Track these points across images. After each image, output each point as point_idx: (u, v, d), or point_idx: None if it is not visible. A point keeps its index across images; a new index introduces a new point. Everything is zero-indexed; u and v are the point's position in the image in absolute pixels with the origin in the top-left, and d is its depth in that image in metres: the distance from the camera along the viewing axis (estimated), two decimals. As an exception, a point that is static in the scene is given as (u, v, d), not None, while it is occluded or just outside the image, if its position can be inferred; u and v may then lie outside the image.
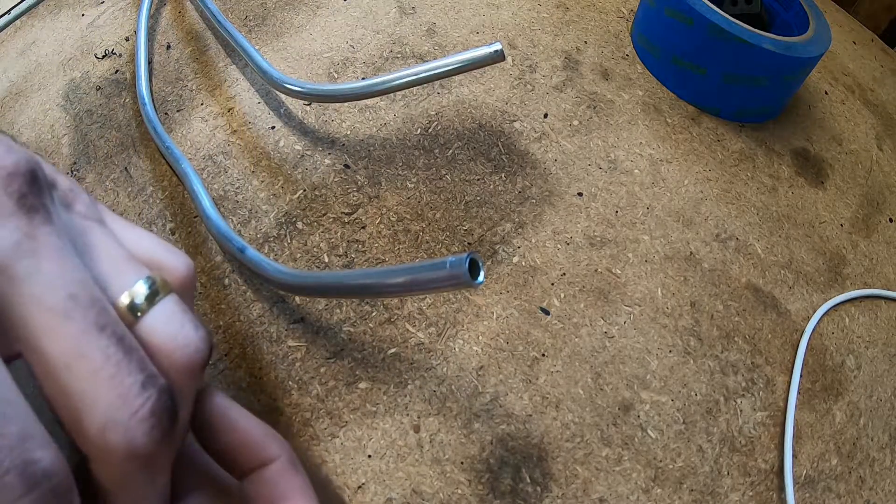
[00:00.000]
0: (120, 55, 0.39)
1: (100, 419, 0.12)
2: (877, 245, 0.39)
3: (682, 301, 0.32)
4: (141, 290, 0.14)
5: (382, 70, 0.39)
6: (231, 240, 0.28)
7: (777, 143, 0.42)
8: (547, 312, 0.30)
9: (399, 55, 0.40)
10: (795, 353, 0.32)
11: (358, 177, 0.33)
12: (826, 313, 0.34)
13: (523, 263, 0.32)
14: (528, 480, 0.26)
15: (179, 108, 0.36)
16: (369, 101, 0.37)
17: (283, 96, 0.37)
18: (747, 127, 0.42)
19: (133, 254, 0.14)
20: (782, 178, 0.40)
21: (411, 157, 0.35)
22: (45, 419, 0.12)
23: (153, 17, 0.42)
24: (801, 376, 0.31)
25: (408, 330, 0.29)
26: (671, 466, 0.27)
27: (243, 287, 0.29)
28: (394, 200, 0.33)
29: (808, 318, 0.34)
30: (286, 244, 0.31)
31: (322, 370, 0.27)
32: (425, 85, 0.38)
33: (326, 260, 0.30)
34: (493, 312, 0.30)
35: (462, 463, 0.26)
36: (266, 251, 0.30)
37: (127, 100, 0.37)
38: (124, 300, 0.13)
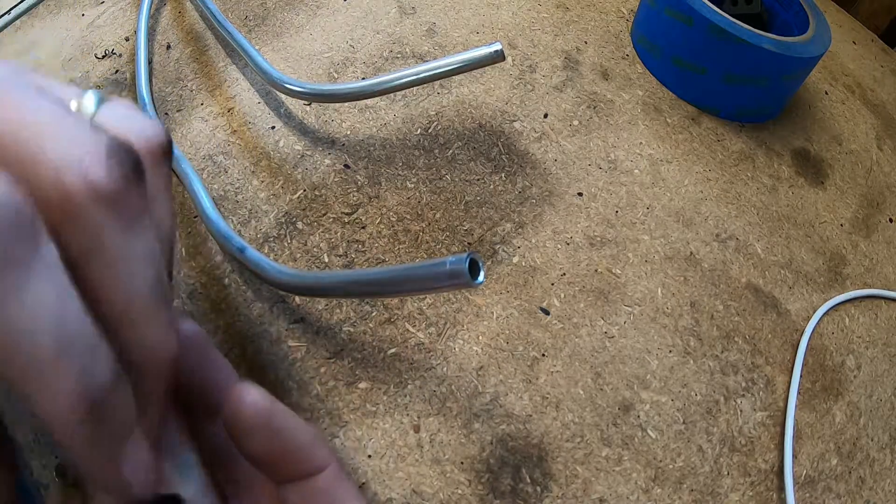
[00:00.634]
0: (120, 55, 0.39)
1: (53, 163, 0.10)
2: (877, 245, 0.39)
3: (682, 301, 0.32)
4: (90, 99, 0.13)
5: (382, 70, 0.39)
6: (231, 240, 0.28)
7: (777, 143, 0.42)
8: (547, 312, 0.30)
9: (399, 55, 0.40)
10: (795, 353, 0.32)
11: (358, 177, 0.33)
12: (826, 313, 0.34)
13: (523, 263, 0.32)
14: (528, 480, 0.26)
15: (179, 108, 0.36)
16: (369, 101, 0.37)
17: (283, 96, 0.37)
18: (747, 127, 0.42)
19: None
20: (782, 178, 0.40)
21: (411, 157, 0.35)
22: None
23: (153, 17, 0.42)
24: (801, 376, 0.31)
25: (408, 330, 0.29)
26: (671, 466, 0.27)
27: (243, 287, 0.29)
28: (394, 200, 0.33)
29: (808, 318, 0.34)
30: (286, 244, 0.31)
31: (322, 370, 0.27)
32: (425, 85, 0.38)
33: (326, 260, 0.30)
34: (493, 312, 0.30)
35: (462, 463, 0.26)
36: (266, 251, 0.30)
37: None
38: (73, 106, 0.12)
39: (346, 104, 0.36)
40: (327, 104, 0.36)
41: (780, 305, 0.34)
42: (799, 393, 0.31)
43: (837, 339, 0.34)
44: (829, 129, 0.45)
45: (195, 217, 0.31)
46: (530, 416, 0.27)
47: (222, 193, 0.32)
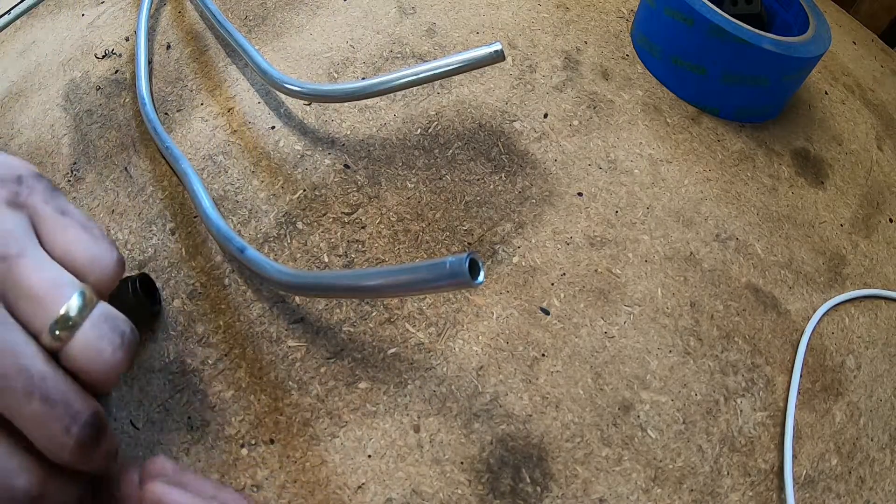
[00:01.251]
0: (120, 55, 0.39)
1: (46, 449, 0.16)
2: (877, 245, 0.39)
3: (682, 301, 0.32)
4: (74, 303, 0.17)
5: (382, 70, 0.39)
6: (231, 240, 0.28)
7: (777, 143, 0.42)
8: (547, 312, 0.30)
9: (399, 55, 0.40)
10: (795, 353, 0.32)
11: (358, 177, 0.33)
12: (826, 313, 0.34)
13: (523, 263, 0.32)
14: (528, 480, 0.26)
15: (179, 108, 0.36)
16: (369, 101, 0.37)
17: (283, 96, 0.37)
18: (747, 127, 0.42)
19: (67, 258, 0.18)
20: (782, 178, 0.40)
21: (411, 157, 0.35)
22: None
23: (153, 17, 0.42)
24: (801, 376, 0.31)
25: (408, 330, 0.29)
26: (671, 466, 0.27)
27: (243, 287, 0.29)
28: (394, 200, 0.33)
29: (808, 318, 0.34)
30: (286, 244, 0.31)
31: (322, 370, 0.27)
32: (425, 85, 0.38)
33: (326, 260, 0.30)
34: (493, 312, 0.30)
35: (462, 463, 0.26)
36: (266, 251, 0.30)
37: (127, 100, 0.37)
38: (61, 314, 0.17)
39: (346, 104, 0.36)
40: (327, 104, 0.36)
41: (780, 305, 0.34)
42: (799, 393, 0.31)
43: (837, 339, 0.34)
44: (829, 129, 0.45)
45: (195, 217, 0.31)
46: (530, 416, 0.27)
47: (222, 193, 0.32)
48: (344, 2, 0.43)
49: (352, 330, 0.28)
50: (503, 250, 0.32)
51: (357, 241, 0.31)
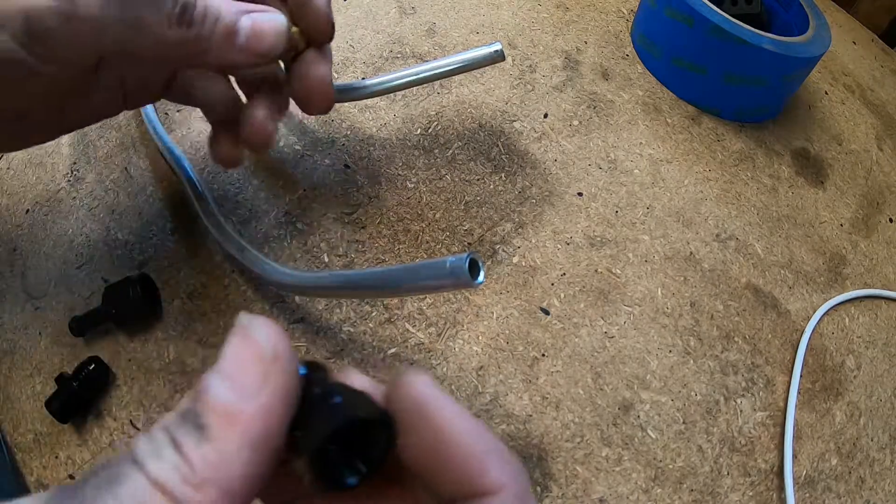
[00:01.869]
0: (120, 55, 0.39)
1: None
2: (877, 245, 0.39)
3: (682, 301, 0.32)
4: None
5: (382, 70, 0.39)
6: (231, 240, 0.28)
7: (777, 143, 0.42)
8: (547, 312, 0.30)
9: (399, 55, 0.40)
10: (795, 353, 0.32)
11: (358, 177, 0.33)
12: (826, 313, 0.34)
13: (523, 263, 0.32)
14: (529, 480, 0.26)
15: (179, 108, 0.36)
16: (369, 101, 0.37)
17: (283, 96, 0.36)
18: (747, 127, 0.42)
19: None
20: (782, 178, 0.40)
21: (411, 157, 0.35)
22: None
23: (153, 17, 0.42)
24: (801, 376, 0.31)
25: (408, 330, 0.29)
26: (671, 466, 0.27)
27: (243, 287, 0.29)
28: (394, 200, 0.33)
29: (808, 318, 0.34)
30: (286, 244, 0.31)
31: (322, 370, 0.27)
32: (425, 85, 0.38)
33: (326, 260, 0.30)
34: (493, 312, 0.30)
35: (462, 463, 0.26)
36: (266, 251, 0.30)
37: (127, 100, 0.37)
38: None
39: (346, 104, 0.36)
40: (327, 104, 0.36)
41: (780, 305, 0.34)
42: (799, 393, 0.31)
43: (837, 339, 0.34)
44: (829, 129, 0.45)
45: (195, 217, 0.31)
46: (530, 416, 0.27)
47: (222, 193, 0.32)
48: (344, 2, 0.43)
49: (352, 330, 0.28)
50: (503, 250, 0.32)
51: (357, 241, 0.31)
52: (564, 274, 0.32)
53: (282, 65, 0.26)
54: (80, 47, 0.18)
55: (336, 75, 0.38)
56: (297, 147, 0.34)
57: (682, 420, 0.29)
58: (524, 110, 0.38)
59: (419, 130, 0.36)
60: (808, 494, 0.28)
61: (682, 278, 0.33)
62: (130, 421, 0.25)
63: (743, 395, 0.30)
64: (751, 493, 0.27)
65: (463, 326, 0.29)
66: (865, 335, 0.34)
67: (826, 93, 0.48)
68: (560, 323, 0.30)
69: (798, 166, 0.41)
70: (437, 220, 0.32)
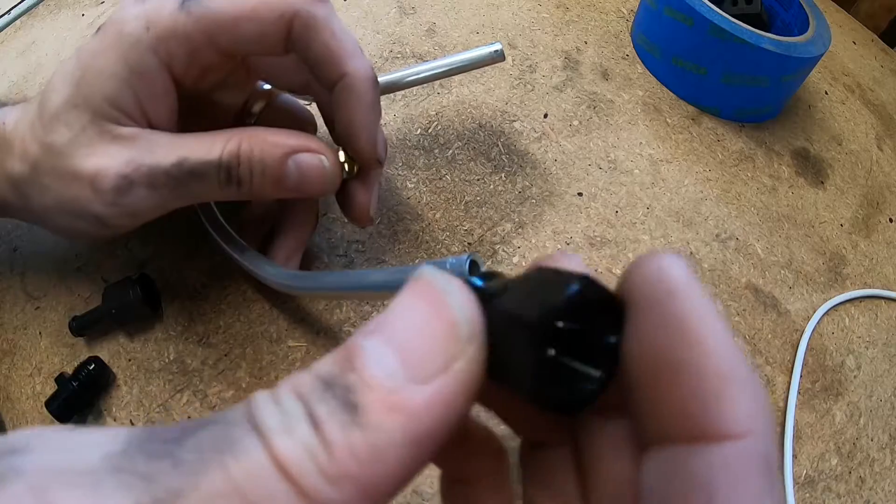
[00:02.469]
0: (120, 55, 0.39)
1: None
2: (877, 245, 0.39)
3: (682, 301, 0.32)
4: None
5: (382, 70, 0.39)
6: (231, 240, 0.28)
7: (777, 143, 0.42)
8: (547, 312, 0.30)
9: (399, 55, 0.40)
10: (795, 353, 0.32)
11: (358, 177, 0.33)
12: (826, 313, 0.34)
13: (523, 263, 0.32)
14: (528, 480, 0.26)
15: (179, 108, 0.36)
16: (369, 101, 0.37)
17: (283, 96, 0.36)
18: (747, 127, 0.42)
19: None
20: (782, 178, 0.40)
21: (411, 157, 0.35)
22: None
23: (153, 17, 0.42)
24: (801, 376, 0.31)
25: (408, 330, 0.29)
26: (671, 466, 0.27)
27: (243, 287, 0.29)
28: (394, 200, 0.33)
29: (808, 318, 0.34)
30: (286, 244, 0.31)
31: (322, 370, 0.27)
32: (425, 85, 0.38)
33: (326, 260, 0.30)
34: (493, 312, 0.30)
35: (462, 463, 0.26)
36: (266, 251, 0.30)
37: (127, 100, 0.37)
38: None
39: (346, 104, 0.36)
40: (327, 104, 0.36)
41: (780, 305, 0.34)
42: (799, 393, 0.31)
43: (837, 339, 0.34)
44: (829, 129, 0.45)
45: (195, 217, 0.31)
46: (530, 416, 0.27)
47: (222, 193, 0.32)
48: (344, 2, 0.43)
49: (352, 330, 0.28)
50: (503, 250, 0.32)
51: (357, 241, 0.31)
52: (564, 274, 0.32)
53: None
54: (148, 215, 0.22)
55: (336, 75, 0.38)
56: (297, 147, 0.34)
57: (682, 420, 0.29)
58: (524, 110, 0.38)
59: (419, 130, 0.36)
60: (807, 494, 0.28)
61: (682, 278, 0.33)
62: (130, 421, 0.25)
63: (743, 395, 0.30)
64: (751, 493, 0.27)
65: (463, 326, 0.29)
66: (865, 335, 0.34)
67: (826, 93, 0.48)
68: (560, 323, 0.30)
69: (798, 166, 0.41)
70: (437, 220, 0.32)
